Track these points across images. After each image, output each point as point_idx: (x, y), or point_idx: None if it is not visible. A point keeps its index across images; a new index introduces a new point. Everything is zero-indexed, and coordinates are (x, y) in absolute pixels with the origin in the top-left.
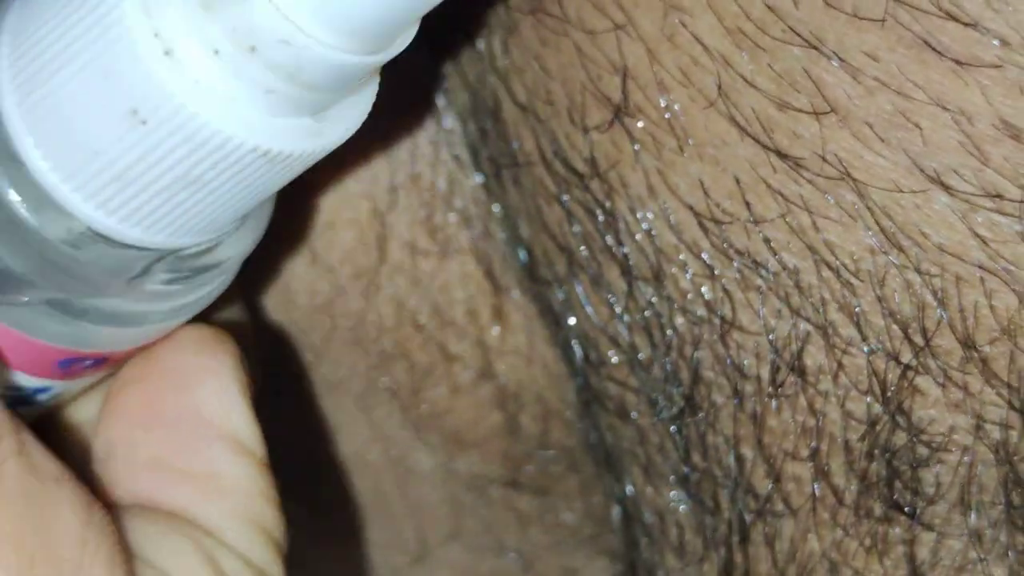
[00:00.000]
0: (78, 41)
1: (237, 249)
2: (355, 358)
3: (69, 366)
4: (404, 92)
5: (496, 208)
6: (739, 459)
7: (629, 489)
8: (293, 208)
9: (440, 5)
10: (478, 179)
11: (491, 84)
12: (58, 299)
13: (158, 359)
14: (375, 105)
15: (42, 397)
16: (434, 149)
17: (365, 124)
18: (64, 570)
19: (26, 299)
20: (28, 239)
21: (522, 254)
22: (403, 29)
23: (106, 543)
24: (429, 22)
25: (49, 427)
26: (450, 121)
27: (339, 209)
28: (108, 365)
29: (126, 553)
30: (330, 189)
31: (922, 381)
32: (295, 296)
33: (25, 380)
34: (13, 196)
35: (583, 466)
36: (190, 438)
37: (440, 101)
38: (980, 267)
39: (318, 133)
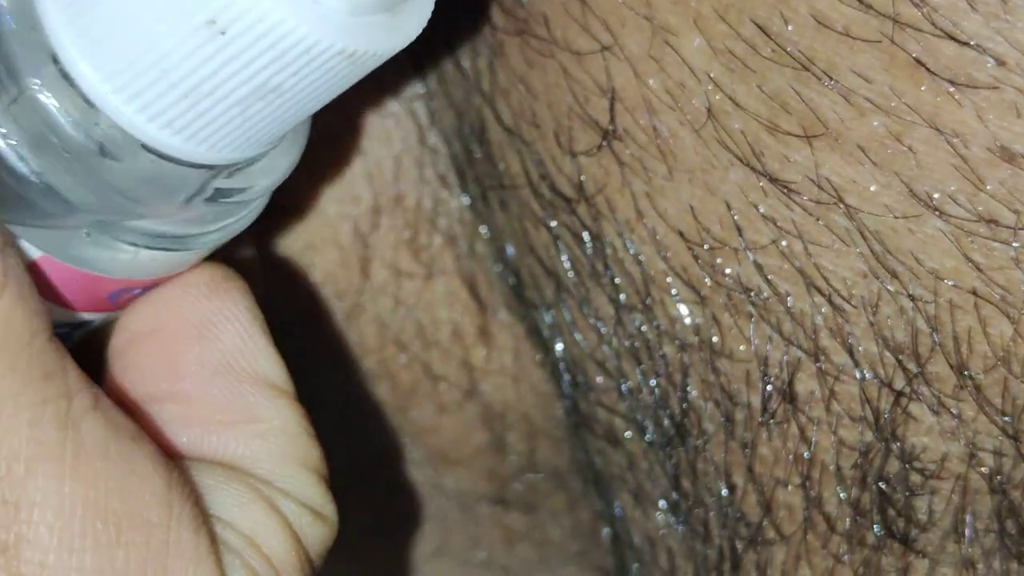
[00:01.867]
0: None
1: (285, 161)
2: (337, 378)
3: (118, 296)
4: (389, 111)
5: (483, 229)
6: (730, 487)
7: (618, 512)
8: (275, 227)
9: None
10: (464, 199)
11: (477, 105)
12: (112, 223)
13: (170, 307)
14: (357, 123)
15: (77, 333)
16: (419, 169)
17: (347, 143)
18: (153, 537)
19: (81, 227)
20: (82, 162)
21: (510, 277)
22: None
23: (188, 503)
24: (414, 44)
25: None
26: (435, 140)
27: (320, 230)
28: None
29: (205, 512)
30: (311, 210)
31: (915, 408)
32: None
33: (76, 316)
34: (67, 117)
35: (571, 484)
36: (223, 388)
37: (425, 120)
38: (974, 293)
39: (396, 28)
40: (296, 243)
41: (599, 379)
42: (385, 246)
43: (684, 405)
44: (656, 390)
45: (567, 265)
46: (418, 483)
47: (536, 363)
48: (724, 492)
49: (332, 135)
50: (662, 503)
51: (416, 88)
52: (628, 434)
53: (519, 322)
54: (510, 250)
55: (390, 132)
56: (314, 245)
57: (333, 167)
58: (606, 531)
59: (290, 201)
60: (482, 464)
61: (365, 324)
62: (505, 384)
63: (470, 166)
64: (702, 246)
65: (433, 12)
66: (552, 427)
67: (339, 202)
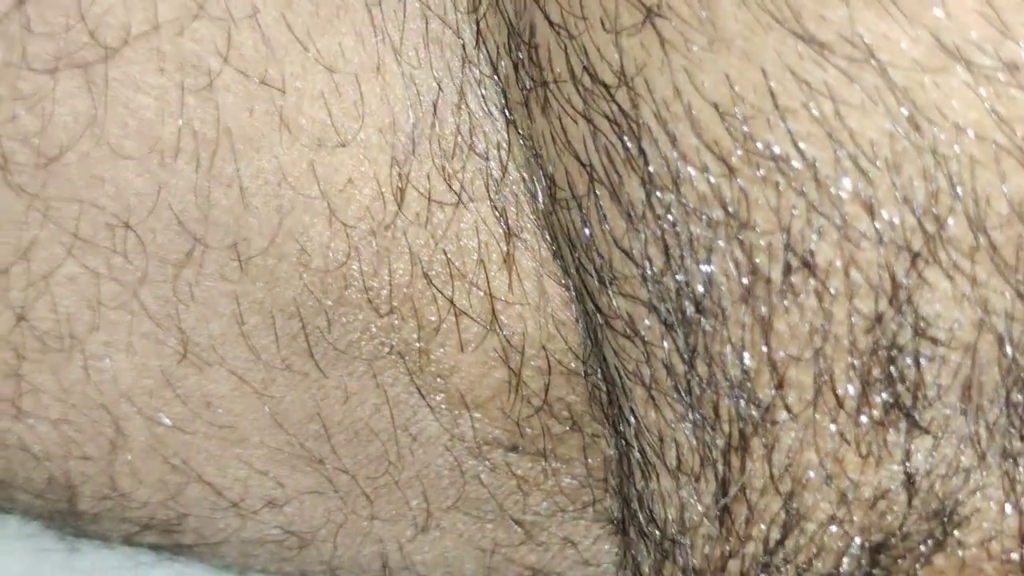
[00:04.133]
0: None
1: None
2: (366, 320)
3: None
4: (435, 35)
5: (519, 143)
6: (744, 367)
7: (630, 416)
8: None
9: None
10: (502, 119)
11: (528, 10)
12: None
13: None
14: (401, 49)
15: None
16: (460, 93)
17: (391, 70)
18: None
19: None
20: None
21: (543, 183)
22: None
23: None
24: None
25: None
26: (481, 60)
27: (359, 164)
28: None
29: None
30: (350, 143)
31: (931, 273)
32: (310, 259)
33: None
34: None
35: (583, 424)
36: None
37: (470, 39)
38: (995, 146)
39: None
40: (337, 177)
41: (625, 268)
42: (420, 174)
43: (707, 284)
44: (680, 272)
45: (602, 154)
46: (435, 433)
47: (558, 286)
48: (739, 373)
49: (378, 63)
50: (675, 395)
51: (464, 6)
52: (648, 322)
53: (543, 244)
54: (546, 153)
55: (434, 57)
56: (353, 180)
57: (377, 95)
58: (612, 453)
59: (333, 133)
60: (499, 405)
61: (395, 260)
62: (525, 314)
63: (516, 76)
64: (735, 116)
65: None
66: (568, 360)
67: (380, 131)
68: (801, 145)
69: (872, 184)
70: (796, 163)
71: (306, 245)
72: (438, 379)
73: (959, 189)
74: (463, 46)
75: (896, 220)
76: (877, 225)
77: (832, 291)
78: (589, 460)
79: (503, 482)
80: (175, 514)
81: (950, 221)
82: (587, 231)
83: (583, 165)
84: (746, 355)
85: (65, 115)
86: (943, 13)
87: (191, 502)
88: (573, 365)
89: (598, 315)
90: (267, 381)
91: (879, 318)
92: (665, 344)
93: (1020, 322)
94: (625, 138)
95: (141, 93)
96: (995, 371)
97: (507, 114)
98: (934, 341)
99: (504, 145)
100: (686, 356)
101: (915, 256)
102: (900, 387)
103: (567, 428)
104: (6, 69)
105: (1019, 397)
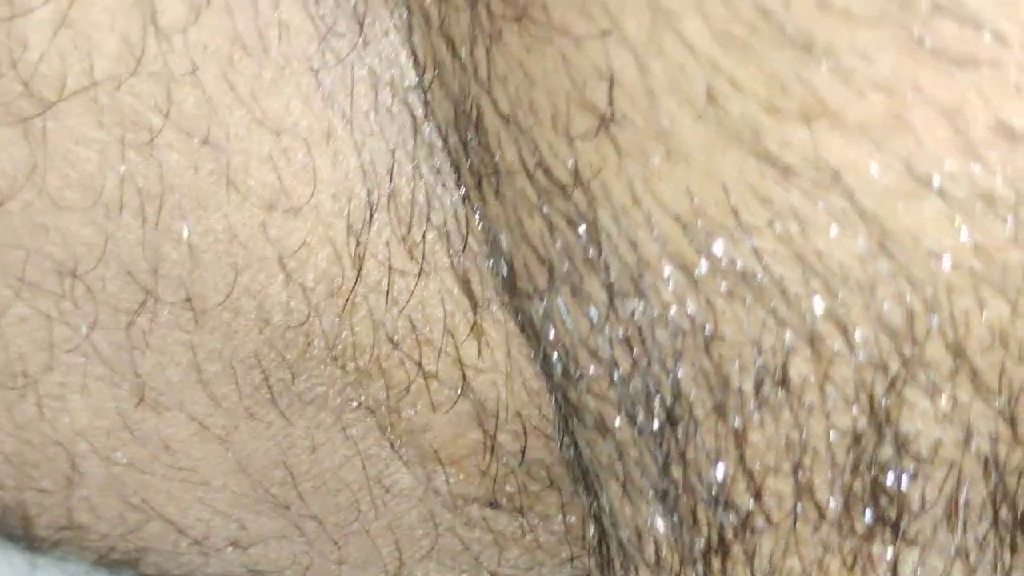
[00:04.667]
0: None
1: None
2: (331, 376)
3: None
4: (384, 104)
5: (477, 222)
6: (720, 474)
7: (606, 505)
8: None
9: (422, 16)
10: (458, 192)
11: (474, 94)
12: None
13: None
14: (352, 118)
15: None
16: (413, 163)
17: (343, 138)
18: None
19: None
20: None
21: (503, 268)
22: None
23: None
24: (410, 34)
25: None
26: (431, 133)
27: (313, 228)
28: None
29: None
30: (303, 207)
31: (910, 392)
32: (270, 314)
33: None
34: None
35: (562, 484)
36: None
37: (420, 112)
38: (972, 274)
39: None
40: (291, 241)
41: (591, 368)
42: (379, 243)
43: (676, 391)
44: (648, 377)
45: (561, 252)
46: (409, 485)
47: (527, 358)
48: (714, 479)
49: (328, 130)
50: (651, 493)
51: (412, 79)
52: (618, 423)
53: (511, 317)
54: (504, 241)
55: (385, 126)
56: (308, 243)
57: (328, 161)
58: (592, 529)
59: (288, 196)
60: (475, 463)
61: (358, 323)
62: (497, 381)
63: (466, 156)
64: (698, 230)
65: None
66: (544, 425)
67: (334, 198)
68: (767, 262)
69: (844, 305)
70: (763, 280)
71: (264, 303)
72: (411, 434)
73: (936, 315)
74: (413, 117)
75: (871, 341)
76: (852, 344)
77: (807, 406)
78: (568, 517)
79: (479, 536)
80: (135, 547)
81: (927, 345)
82: (551, 328)
83: (542, 260)
84: (721, 464)
85: (4, 163)
86: (914, 141)
87: (152, 537)
88: (550, 431)
89: (567, 406)
90: (229, 428)
91: (858, 434)
92: (637, 446)
93: (1005, 443)
94: (584, 239)
95: (81, 146)
96: (981, 488)
97: (462, 189)
98: (916, 458)
99: (462, 219)
100: (659, 460)
101: (893, 377)
102: (884, 500)
103: (546, 487)
104: None
105: (1007, 514)
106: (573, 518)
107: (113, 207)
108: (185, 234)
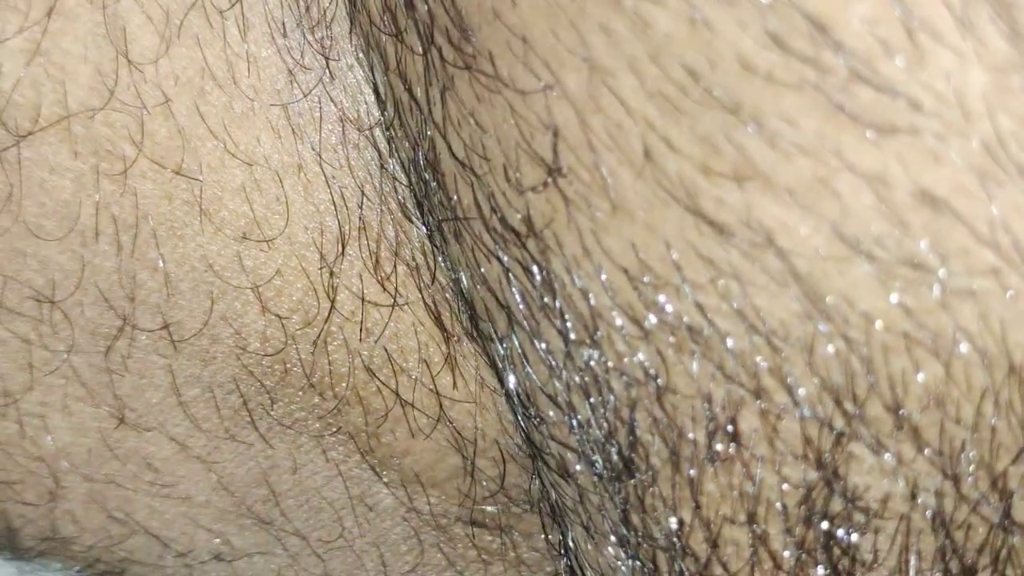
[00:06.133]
0: None
1: None
2: (310, 402)
3: None
4: (351, 138)
5: (441, 259)
6: (678, 522)
7: (572, 545)
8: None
9: (379, 54)
10: (425, 228)
11: (430, 135)
12: None
13: None
14: (322, 151)
15: None
16: (381, 197)
17: (314, 171)
18: None
19: None
20: None
21: (466, 309)
22: None
23: None
24: (373, 73)
25: None
26: (396, 169)
27: (287, 259)
28: None
29: None
30: (277, 238)
31: (856, 448)
32: (247, 342)
33: None
34: None
35: (542, 507)
36: None
37: (385, 148)
38: (906, 336)
39: None
40: (265, 270)
41: (551, 412)
42: (351, 275)
43: (632, 440)
44: (605, 425)
45: (518, 298)
46: (392, 505)
47: (500, 392)
48: (672, 527)
49: (299, 163)
50: (613, 537)
51: (376, 116)
52: (579, 468)
53: (482, 351)
54: (464, 281)
55: (353, 160)
56: (283, 273)
57: (300, 194)
58: (564, 562)
59: (260, 226)
60: (455, 487)
61: (334, 352)
62: (473, 411)
63: (426, 196)
64: (645, 284)
65: (392, 38)
66: (522, 455)
67: (306, 230)
68: (712, 318)
69: (787, 361)
70: (709, 334)
71: (241, 330)
72: (391, 459)
73: (873, 375)
74: (379, 152)
75: (815, 397)
76: (796, 400)
77: (759, 458)
78: (550, 536)
79: (463, 552)
80: (120, 559)
81: (868, 404)
82: (511, 371)
83: (501, 305)
84: (678, 512)
85: None
86: (840, 206)
87: (137, 550)
88: (527, 461)
89: (532, 447)
90: (210, 448)
91: (809, 487)
92: (598, 492)
93: (951, 498)
94: (540, 287)
95: (56, 175)
96: (931, 541)
97: (427, 226)
98: (866, 512)
99: (430, 254)
100: (619, 506)
101: (839, 433)
102: (837, 552)
103: (527, 509)
104: None
105: (956, 567)
106: (555, 537)
107: (89, 235)
108: (161, 263)
